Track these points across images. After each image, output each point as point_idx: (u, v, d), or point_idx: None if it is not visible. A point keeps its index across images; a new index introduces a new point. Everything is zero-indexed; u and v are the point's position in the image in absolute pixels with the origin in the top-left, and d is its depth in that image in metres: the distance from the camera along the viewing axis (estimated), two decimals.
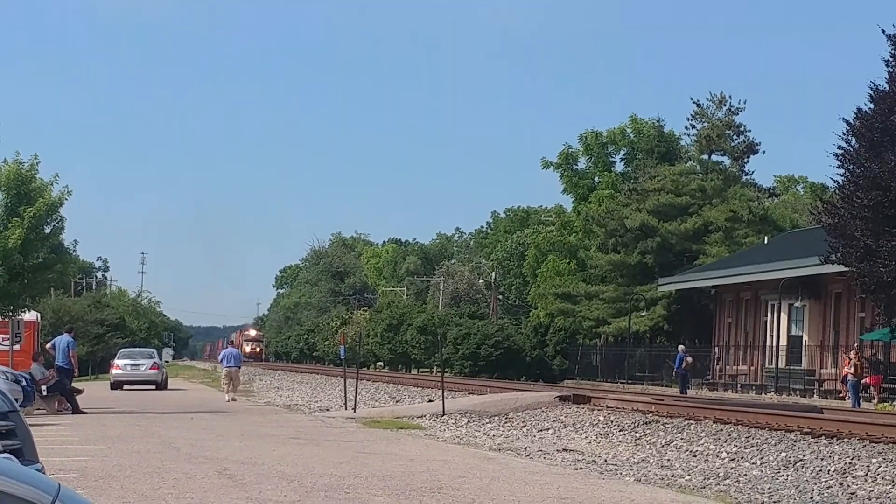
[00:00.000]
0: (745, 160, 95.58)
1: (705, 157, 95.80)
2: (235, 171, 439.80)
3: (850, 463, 19.97)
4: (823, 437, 23.19)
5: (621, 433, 27.56)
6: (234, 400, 44.44)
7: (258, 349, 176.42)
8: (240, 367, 49.94)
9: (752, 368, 68.73)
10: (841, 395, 51.92)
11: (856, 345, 53.89)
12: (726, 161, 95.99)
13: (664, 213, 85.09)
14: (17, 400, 12.77)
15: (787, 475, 19.50)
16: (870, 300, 49.83)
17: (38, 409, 32.12)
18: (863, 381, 48.99)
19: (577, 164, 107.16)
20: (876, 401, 48.84)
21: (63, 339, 36.08)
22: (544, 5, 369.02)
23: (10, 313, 38.78)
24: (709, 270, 74.84)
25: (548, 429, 29.78)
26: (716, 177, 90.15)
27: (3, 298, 36.74)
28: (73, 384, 35.90)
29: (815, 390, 58.28)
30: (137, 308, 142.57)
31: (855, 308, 59.40)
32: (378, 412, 36.08)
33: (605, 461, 21.99)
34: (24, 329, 52.13)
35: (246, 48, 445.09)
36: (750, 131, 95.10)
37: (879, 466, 19.34)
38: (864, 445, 21.72)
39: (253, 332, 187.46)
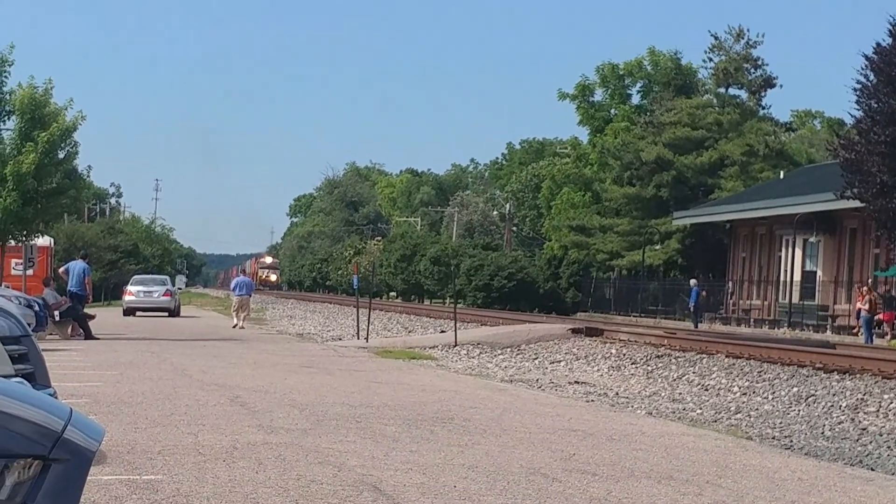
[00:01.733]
0: (762, 94, 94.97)
1: (722, 90, 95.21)
2: (252, 98, 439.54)
3: (861, 399, 19.96)
4: (836, 372, 23.17)
5: (633, 366, 27.58)
6: (241, 327, 44.48)
7: (274, 277, 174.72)
8: (251, 296, 50.07)
9: (766, 303, 68.68)
10: (854, 330, 51.89)
11: (869, 280, 53.78)
12: (743, 95, 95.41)
13: (680, 147, 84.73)
14: (29, 325, 12.77)
15: (799, 410, 19.50)
16: (885, 236, 49.69)
17: (51, 334, 32.20)
18: (876, 318, 48.93)
19: (593, 96, 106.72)
20: (889, 337, 48.79)
21: (78, 265, 35.99)
22: None
23: (24, 238, 38.87)
24: (724, 205, 74.66)
25: (560, 361, 29.82)
26: (732, 110, 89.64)
27: (17, 223, 36.80)
28: (86, 310, 35.94)
29: (828, 326, 58.24)
30: (151, 235, 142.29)
31: (870, 244, 59.20)
32: (390, 342, 36.12)
33: (617, 394, 22.01)
34: (37, 254, 52.34)
35: None
36: (767, 65, 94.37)
37: (891, 402, 19.32)
38: (877, 381, 21.70)
39: (269, 259, 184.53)
